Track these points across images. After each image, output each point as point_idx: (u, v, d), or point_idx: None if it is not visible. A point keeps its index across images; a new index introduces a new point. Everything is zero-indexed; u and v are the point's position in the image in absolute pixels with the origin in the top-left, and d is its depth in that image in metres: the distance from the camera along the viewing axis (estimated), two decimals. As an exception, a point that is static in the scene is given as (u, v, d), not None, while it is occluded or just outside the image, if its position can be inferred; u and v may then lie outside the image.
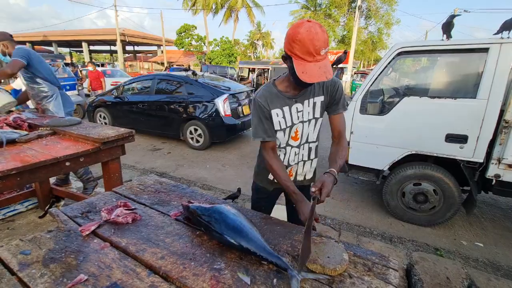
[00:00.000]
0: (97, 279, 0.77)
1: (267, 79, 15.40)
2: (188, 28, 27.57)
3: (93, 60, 11.19)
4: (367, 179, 3.06)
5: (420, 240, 2.64)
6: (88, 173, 2.99)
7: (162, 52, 28.60)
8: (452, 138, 2.47)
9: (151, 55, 35.14)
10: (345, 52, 2.46)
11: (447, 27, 2.54)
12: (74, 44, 29.55)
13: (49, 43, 27.78)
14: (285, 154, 1.34)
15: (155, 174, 1.69)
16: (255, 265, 0.85)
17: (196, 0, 28.38)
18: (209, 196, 1.31)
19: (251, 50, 40.86)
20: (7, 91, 2.79)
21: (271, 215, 1.26)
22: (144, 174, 4.02)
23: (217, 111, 4.87)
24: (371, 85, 2.81)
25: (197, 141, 5.21)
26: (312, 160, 1.40)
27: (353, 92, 13.19)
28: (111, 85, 9.43)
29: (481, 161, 2.41)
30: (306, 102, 1.22)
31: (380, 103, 3.00)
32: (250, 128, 1.34)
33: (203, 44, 28.99)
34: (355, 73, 13.71)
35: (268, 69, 15.45)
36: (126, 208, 1.12)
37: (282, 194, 1.53)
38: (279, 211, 1.64)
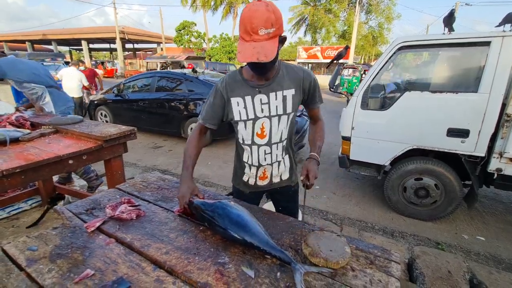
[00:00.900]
0: (104, 274, 0.78)
1: None
2: (187, 25, 27.47)
3: (81, 58, 9.12)
4: (369, 174, 3.07)
5: (422, 235, 2.65)
6: (89, 172, 3.00)
7: (161, 49, 28.51)
8: (453, 132, 2.47)
9: (150, 52, 35.04)
10: (346, 48, 2.44)
11: (449, 20, 2.53)
12: (74, 42, 29.49)
13: (48, 42, 27.75)
14: (251, 154, 1.23)
15: (157, 171, 1.70)
16: (258, 259, 0.86)
17: (195, -3, 28.22)
18: (211, 192, 1.32)
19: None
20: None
21: None
22: (146, 172, 4.04)
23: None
24: (372, 80, 2.80)
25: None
26: (284, 158, 1.29)
27: (341, 88, 13.08)
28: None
29: (483, 155, 2.41)
30: (273, 94, 1.12)
31: (381, 98, 3.00)
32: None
33: (202, 41, 28.88)
34: (344, 67, 13.44)
35: None
36: (130, 204, 1.13)
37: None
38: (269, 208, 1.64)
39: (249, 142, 1.21)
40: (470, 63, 2.62)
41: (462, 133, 2.44)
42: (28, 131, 1.95)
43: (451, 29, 2.51)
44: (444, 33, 2.54)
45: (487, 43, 2.31)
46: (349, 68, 12.85)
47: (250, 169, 1.29)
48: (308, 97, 1.21)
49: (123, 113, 5.99)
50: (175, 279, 0.78)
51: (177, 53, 29.39)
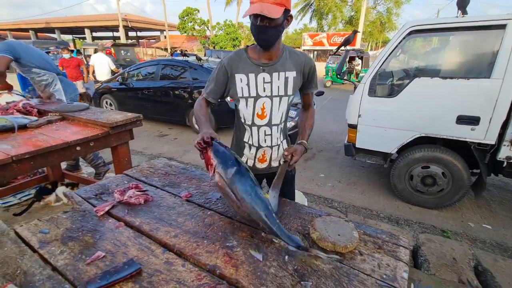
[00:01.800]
0: (114, 256, 0.80)
1: None
2: (190, 11, 26.94)
3: (68, 47, 8.33)
4: (375, 162, 3.05)
5: (427, 222, 2.65)
6: (98, 158, 3.03)
7: (165, 37, 28.17)
8: (463, 119, 2.42)
9: (154, 40, 34.69)
10: (354, 32, 2.35)
11: (462, 2, 2.42)
12: (77, 31, 29.30)
13: (51, 30, 27.59)
14: (251, 135, 1.25)
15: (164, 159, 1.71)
16: (266, 242, 0.86)
17: (198, -18, 27.53)
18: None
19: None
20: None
21: None
22: (153, 160, 4.08)
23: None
24: (380, 67, 2.73)
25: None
26: (282, 142, 1.32)
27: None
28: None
29: (493, 143, 2.36)
30: (275, 74, 1.15)
31: (389, 85, 2.93)
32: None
33: (206, 28, 28.40)
34: (329, 55, 12.91)
35: None
36: (138, 190, 1.14)
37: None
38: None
39: (250, 123, 1.24)
40: (483, 48, 2.53)
41: (472, 121, 2.38)
42: (36, 118, 1.96)
43: (464, 12, 2.41)
44: (457, 16, 2.44)
45: (502, 26, 2.22)
46: (333, 55, 12.54)
47: (250, 149, 1.30)
48: (306, 81, 1.25)
49: (128, 102, 6.00)
50: (184, 261, 0.79)
51: (180, 41, 29.04)
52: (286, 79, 1.17)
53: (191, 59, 5.58)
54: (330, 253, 0.83)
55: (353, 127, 2.95)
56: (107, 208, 1.01)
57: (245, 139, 1.29)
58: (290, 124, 4.03)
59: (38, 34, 28.70)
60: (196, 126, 5.28)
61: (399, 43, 2.64)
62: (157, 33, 32.74)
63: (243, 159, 1.33)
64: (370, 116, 2.84)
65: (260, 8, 0.97)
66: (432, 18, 2.80)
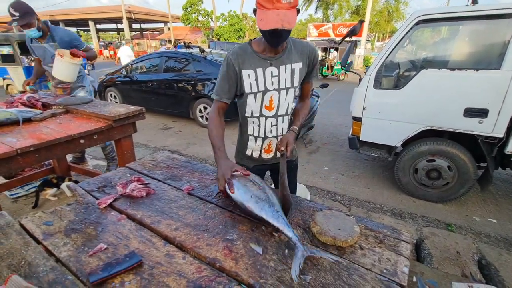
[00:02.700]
0: (116, 248, 0.81)
1: None
2: (194, 2, 26.59)
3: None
4: (379, 155, 3.02)
5: (431, 216, 2.63)
6: (114, 151, 3.08)
7: (169, 29, 27.96)
8: (471, 112, 2.36)
9: (157, 32, 34.47)
10: (361, 22, 2.29)
11: (474, -9, 2.34)
12: (81, 23, 29.25)
13: (56, 22, 27.59)
14: (259, 126, 1.26)
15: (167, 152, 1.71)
16: (266, 236, 0.87)
17: (202, -28, 27.08)
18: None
19: (260, 24, 39.23)
20: None
21: None
22: (156, 153, 4.11)
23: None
24: (386, 58, 2.67)
25: (207, 119, 5.20)
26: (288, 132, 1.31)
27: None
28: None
29: (501, 136, 2.31)
30: (282, 67, 1.15)
31: (395, 76, 2.87)
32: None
33: (210, 20, 28.06)
34: (330, 47, 12.25)
35: None
36: (140, 183, 1.15)
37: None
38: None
39: (257, 114, 1.24)
40: (493, 38, 2.45)
41: (481, 113, 2.33)
42: (40, 111, 1.98)
43: (475, 1, 2.33)
44: (467, 5, 2.36)
45: (515, 15, 2.14)
46: (338, 44, 12.24)
47: (255, 141, 1.31)
48: (310, 70, 1.24)
49: (132, 94, 6.01)
50: (185, 254, 0.79)
51: (184, 32, 28.82)
52: (293, 71, 1.17)
53: (195, 51, 5.53)
54: (330, 247, 0.83)
55: (357, 120, 2.91)
56: (109, 201, 1.02)
57: (250, 132, 1.30)
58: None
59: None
60: (200, 120, 5.28)
61: (406, 33, 2.57)
62: (161, 25, 32.52)
63: (248, 152, 1.35)
64: (375, 109, 2.79)
65: (280, 22, 0.95)
66: (440, 7, 2.71)
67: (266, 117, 1.24)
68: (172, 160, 1.46)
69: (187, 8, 26.73)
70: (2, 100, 2.26)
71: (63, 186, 2.51)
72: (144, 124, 5.17)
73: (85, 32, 39.44)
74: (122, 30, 30.03)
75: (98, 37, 30.96)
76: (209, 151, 4.17)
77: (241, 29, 25.40)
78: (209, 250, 0.80)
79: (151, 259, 0.77)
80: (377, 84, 2.73)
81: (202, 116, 5.25)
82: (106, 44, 25.15)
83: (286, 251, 0.80)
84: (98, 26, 32.06)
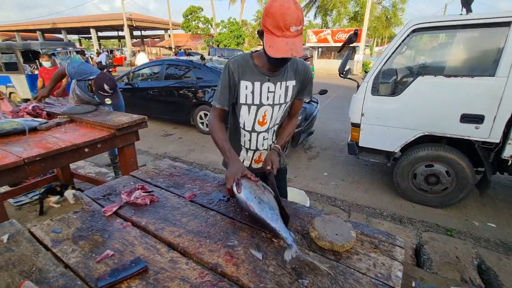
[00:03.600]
0: (122, 254, 0.84)
1: None
2: (194, 10, 26.99)
3: (45, 51, 6.56)
4: (378, 161, 3.05)
5: (431, 221, 2.66)
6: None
7: (169, 36, 28.31)
8: (467, 118, 2.41)
9: (158, 39, 34.87)
10: (356, 33, 2.35)
11: (467, 0, 2.40)
12: (83, 31, 29.65)
13: (58, 30, 27.98)
14: (250, 140, 1.30)
15: (168, 159, 1.75)
16: (266, 242, 0.90)
17: (202, -20, 27.50)
18: (221, 178, 1.36)
19: (259, 31, 39.63)
20: None
21: None
22: (157, 159, 4.15)
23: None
24: (383, 65, 2.73)
25: (208, 126, 5.26)
26: (274, 142, 1.37)
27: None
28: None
29: (498, 141, 2.35)
30: (279, 84, 1.18)
31: (392, 83, 2.92)
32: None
33: (210, 27, 28.42)
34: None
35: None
36: (144, 191, 1.19)
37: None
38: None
39: (250, 129, 1.28)
40: (487, 46, 2.51)
41: (477, 119, 2.37)
42: (45, 120, 2.03)
43: (469, 10, 2.39)
44: (461, 14, 2.42)
45: (507, 24, 2.20)
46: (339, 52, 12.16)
47: (247, 152, 1.36)
48: (302, 88, 1.26)
49: (133, 102, 6.06)
50: (188, 259, 0.83)
51: (184, 39, 29.14)
52: (287, 88, 1.20)
53: (195, 58, 5.62)
54: (327, 252, 0.86)
55: (356, 126, 2.96)
56: (114, 209, 1.06)
57: (242, 143, 1.35)
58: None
59: (45, 34, 29.13)
60: (201, 126, 5.34)
61: (403, 41, 2.63)
62: (162, 32, 32.90)
63: (240, 159, 1.37)
64: (373, 115, 2.84)
65: (290, 51, 0.97)
66: (436, 16, 2.78)
67: (259, 132, 1.28)
68: (175, 168, 1.50)
69: (187, 16, 27.11)
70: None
71: (67, 193, 2.55)
72: (145, 131, 5.21)
73: (87, 40, 39.91)
74: (123, 37, 30.39)
75: (100, 45, 31.30)
76: (210, 157, 4.21)
77: (240, 36, 25.70)
78: (211, 255, 0.84)
79: (156, 264, 0.80)
80: (375, 90, 2.78)
81: (202, 123, 5.31)
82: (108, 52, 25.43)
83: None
84: (100, 34, 32.47)
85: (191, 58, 5.81)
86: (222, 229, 0.97)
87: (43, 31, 28.10)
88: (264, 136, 1.30)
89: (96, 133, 1.88)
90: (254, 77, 1.17)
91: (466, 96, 2.40)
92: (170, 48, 26.71)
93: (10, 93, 7.73)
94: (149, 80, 5.95)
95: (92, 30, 26.52)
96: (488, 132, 2.35)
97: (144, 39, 35.85)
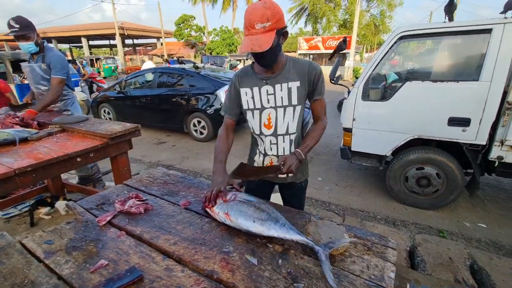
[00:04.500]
0: (117, 264, 0.84)
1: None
2: (186, 18, 27.23)
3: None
4: (370, 165, 3.10)
5: (423, 223, 2.70)
6: (99, 172, 3.07)
7: (161, 44, 28.37)
8: (454, 121, 2.48)
9: (150, 48, 34.90)
10: (345, 40, 2.42)
11: (449, 9, 2.51)
12: (74, 40, 29.44)
13: (49, 40, 27.70)
14: (260, 144, 1.35)
15: (162, 167, 1.75)
16: (261, 247, 0.91)
17: (194, -11, 27.85)
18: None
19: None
20: None
21: None
22: (151, 167, 4.11)
23: (219, 103, 4.90)
24: (373, 71, 2.80)
25: (201, 133, 5.26)
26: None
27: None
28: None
29: (484, 143, 2.42)
30: (278, 86, 1.20)
31: (382, 88, 3.00)
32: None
33: (202, 35, 28.65)
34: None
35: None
36: (138, 199, 1.18)
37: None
38: (276, 199, 1.68)
39: (258, 132, 1.31)
40: (471, 52, 2.61)
41: (463, 122, 2.45)
42: (36, 130, 2.00)
43: (451, 18, 2.49)
44: (444, 22, 2.52)
45: (488, 31, 2.29)
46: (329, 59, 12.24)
47: (259, 156, 1.38)
48: (312, 88, 1.24)
49: (126, 110, 6.04)
50: (183, 267, 0.83)
51: (176, 47, 29.24)
52: (290, 89, 1.20)
53: (188, 66, 5.65)
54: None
55: (348, 130, 3.01)
56: (108, 218, 1.05)
57: (255, 146, 1.40)
58: None
59: (35, 44, 28.73)
60: (194, 134, 5.34)
61: (391, 47, 2.71)
62: (154, 40, 32.94)
63: (255, 164, 1.41)
64: (365, 120, 2.90)
65: (250, 45, 1.02)
66: (421, 23, 2.88)
67: (266, 135, 1.29)
68: (169, 176, 1.50)
69: (179, 24, 27.29)
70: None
71: (58, 204, 2.50)
72: (138, 139, 5.19)
73: (78, 49, 39.63)
74: (115, 46, 30.31)
75: (91, 53, 31.09)
76: (204, 164, 4.20)
77: (232, 43, 25.95)
78: (206, 262, 0.84)
79: (151, 273, 0.80)
80: (365, 96, 2.84)
81: (196, 130, 5.30)
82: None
83: (280, 261, 0.84)
84: (91, 42, 32.31)
85: (183, 66, 5.84)
86: (217, 236, 0.97)
87: (33, 40, 27.73)
88: (271, 140, 1.29)
89: (89, 142, 1.86)
90: (252, 83, 1.23)
91: (452, 100, 2.48)
92: (162, 56, 26.75)
93: (-1, 103, 7.57)
94: (142, 88, 5.94)
95: (83, 39, 26.39)
96: (475, 135, 2.42)
97: (136, 48, 35.82)
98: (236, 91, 1.28)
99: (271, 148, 1.31)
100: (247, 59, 13.98)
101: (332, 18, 25.35)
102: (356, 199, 3.16)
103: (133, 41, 34.24)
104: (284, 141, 1.28)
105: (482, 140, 2.42)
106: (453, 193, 2.73)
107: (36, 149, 1.71)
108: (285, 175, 1.31)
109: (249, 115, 1.29)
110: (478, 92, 2.36)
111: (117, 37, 24.81)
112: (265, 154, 1.34)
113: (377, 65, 2.78)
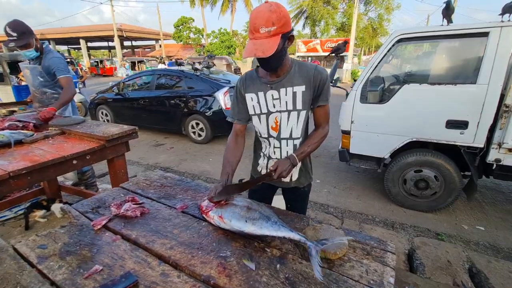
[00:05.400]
0: (112, 269, 0.82)
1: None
2: (185, 20, 27.28)
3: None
4: (369, 167, 3.09)
5: (422, 226, 2.69)
6: (94, 176, 3.04)
7: (160, 46, 28.38)
8: (452, 124, 2.48)
9: (149, 49, 34.90)
10: (345, 43, 2.43)
11: (447, 12, 2.52)
12: (72, 41, 29.41)
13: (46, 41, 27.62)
14: (266, 145, 1.33)
15: (159, 169, 1.73)
16: (259, 252, 0.89)
17: (193, -8, 27.94)
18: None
19: (250, 40, 40.25)
20: None
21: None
22: (148, 170, 4.09)
23: (218, 105, 4.89)
24: (371, 73, 2.80)
25: (199, 135, 5.25)
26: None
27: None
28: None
29: (482, 146, 2.43)
30: (283, 90, 1.17)
31: (380, 91, 3.00)
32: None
33: (201, 37, 28.71)
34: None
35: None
36: (134, 202, 1.17)
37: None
38: (279, 201, 1.67)
39: (266, 136, 1.29)
40: (468, 55, 2.62)
41: (461, 125, 2.45)
42: (32, 133, 1.98)
43: (449, 21, 2.51)
44: (442, 25, 2.53)
45: (485, 34, 2.31)
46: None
47: (263, 159, 1.36)
48: (317, 93, 1.20)
49: (124, 112, 6.02)
50: (179, 272, 0.81)
51: (175, 49, 29.27)
52: (294, 93, 1.17)
53: (186, 68, 5.65)
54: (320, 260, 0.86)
55: (346, 133, 3.01)
56: (104, 222, 1.03)
57: (259, 150, 1.38)
58: None
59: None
60: (192, 136, 5.32)
61: (388, 50, 2.72)
62: (152, 42, 32.97)
63: (259, 168, 1.39)
64: (363, 122, 2.90)
65: (254, 50, 1.00)
66: (419, 26, 2.90)
67: (272, 138, 1.28)
68: (166, 178, 1.49)
69: (178, 26, 27.34)
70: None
71: (53, 207, 2.47)
72: (136, 141, 5.15)
73: (76, 50, 39.56)
74: (114, 47, 30.28)
75: (89, 55, 31.06)
76: (202, 167, 4.18)
77: (231, 46, 26.01)
78: (203, 267, 0.82)
79: (147, 278, 0.78)
80: (363, 98, 2.85)
81: (194, 132, 5.29)
82: (98, 62, 25.25)
83: (278, 266, 0.83)
84: (89, 44, 32.28)
85: (182, 68, 5.84)
86: (214, 240, 0.96)
87: (31, 41, 27.65)
88: (275, 144, 1.28)
89: (85, 144, 1.84)
90: (257, 88, 1.21)
91: (450, 103, 2.49)
92: (160, 59, 26.76)
93: (-5, 104, 7.52)
94: (140, 90, 5.92)
95: (81, 41, 26.35)
96: (473, 137, 2.43)
97: (135, 49, 35.82)
98: (241, 96, 1.26)
99: (274, 152, 1.30)
100: (203, 63, 13.92)
101: (330, 21, 25.49)
102: (355, 202, 3.15)
103: (131, 43, 34.24)
104: (287, 145, 1.27)
105: (480, 143, 2.42)
106: (451, 195, 2.72)
107: (32, 151, 1.68)
108: (288, 179, 1.33)
109: (255, 120, 1.28)
110: (475, 95, 2.36)
111: (116, 38, 24.80)
112: (269, 157, 1.33)
113: (375, 68, 2.79)
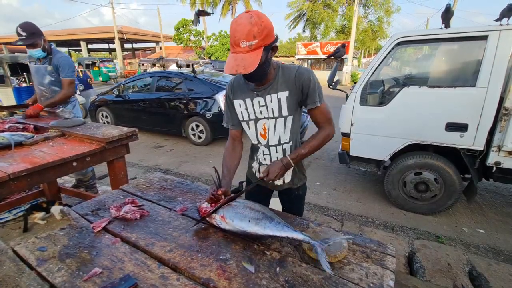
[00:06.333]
0: (111, 271, 0.82)
1: None
2: (186, 23, 27.38)
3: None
4: (369, 170, 3.09)
5: (422, 228, 2.68)
6: (94, 178, 3.04)
7: (160, 48, 28.48)
8: (452, 127, 2.49)
9: (149, 52, 35.00)
10: (344, 46, 2.44)
11: (446, 15, 2.53)
12: (73, 43, 29.51)
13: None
14: (255, 153, 1.35)
15: (159, 171, 1.73)
16: (258, 255, 0.89)
17: (193, -6, 28.06)
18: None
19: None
20: None
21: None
22: (148, 172, 4.09)
23: (218, 107, 4.90)
24: (371, 76, 2.81)
25: (199, 137, 5.25)
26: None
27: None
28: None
29: (481, 149, 2.43)
30: (268, 97, 1.15)
31: (380, 94, 3.01)
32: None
33: (201, 39, 28.81)
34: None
35: None
36: (134, 205, 1.17)
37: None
38: (275, 204, 1.67)
39: (255, 142, 1.30)
40: (467, 58, 2.63)
41: (461, 127, 2.46)
42: (32, 134, 1.98)
43: (447, 25, 2.52)
44: (441, 28, 2.55)
45: (485, 37, 2.32)
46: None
47: (256, 163, 1.37)
48: (304, 95, 1.14)
49: (124, 114, 6.03)
50: (179, 275, 0.81)
51: (176, 51, 29.36)
52: (279, 100, 1.14)
53: (186, 70, 5.67)
54: (320, 263, 0.86)
55: (346, 135, 3.01)
56: (103, 224, 1.03)
57: (255, 153, 1.37)
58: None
59: (34, 47, 28.74)
60: (192, 138, 5.32)
61: (388, 53, 2.73)
62: (153, 45, 33.08)
63: (253, 171, 1.40)
64: (363, 125, 2.90)
65: (235, 67, 0.95)
66: (418, 30, 2.91)
67: (261, 145, 1.28)
68: (166, 181, 1.49)
69: (179, 28, 27.45)
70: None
71: (53, 209, 2.47)
72: (136, 143, 5.15)
73: (76, 52, 39.67)
74: (114, 49, 30.38)
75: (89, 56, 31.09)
76: (201, 169, 4.17)
77: (232, 48, 26.01)
78: (203, 270, 0.82)
79: (146, 281, 0.78)
80: (363, 101, 2.85)
81: (194, 134, 5.29)
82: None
83: (278, 269, 0.83)
84: (90, 46, 32.40)
85: (181, 70, 5.85)
86: (214, 243, 0.96)
87: (32, 43, 27.72)
88: (264, 151, 1.28)
89: (85, 146, 1.84)
90: (244, 95, 1.21)
91: (450, 106, 2.49)
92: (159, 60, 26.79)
93: (-4, 106, 7.53)
94: (140, 92, 5.94)
95: (82, 43, 26.44)
96: (472, 140, 2.43)
97: (135, 52, 35.91)
98: (231, 101, 1.26)
99: (264, 159, 1.30)
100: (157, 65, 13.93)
101: (330, 24, 25.57)
102: (355, 204, 3.15)
103: (132, 45, 34.35)
104: (277, 152, 1.26)
105: (480, 146, 2.42)
106: (451, 198, 2.72)
107: (32, 153, 1.68)
108: (281, 182, 1.33)
109: (244, 126, 1.28)
110: (475, 98, 2.37)
111: (116, 41, 24.89)
112: (260, 164, 1.33)
113: (375, 70, 2.79)
